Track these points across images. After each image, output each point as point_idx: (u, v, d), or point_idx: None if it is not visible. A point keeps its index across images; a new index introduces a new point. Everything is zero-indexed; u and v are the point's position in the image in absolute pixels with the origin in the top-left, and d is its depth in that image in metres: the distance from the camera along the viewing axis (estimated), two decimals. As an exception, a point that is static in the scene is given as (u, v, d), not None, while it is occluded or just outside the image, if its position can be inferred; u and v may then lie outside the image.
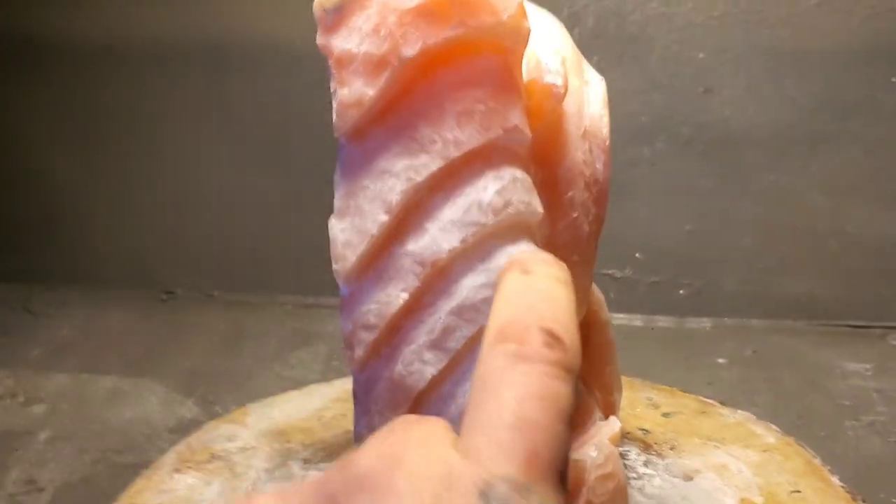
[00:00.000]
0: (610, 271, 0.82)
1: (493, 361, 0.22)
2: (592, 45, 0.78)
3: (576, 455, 0.35)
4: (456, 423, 0.33)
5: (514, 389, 0.22)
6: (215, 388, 0.69)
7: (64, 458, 0.60)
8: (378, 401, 0.34)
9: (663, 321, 0.82)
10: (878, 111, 0.76)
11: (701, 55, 0.77)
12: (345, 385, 0.58)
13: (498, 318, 0.24)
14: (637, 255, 0.82)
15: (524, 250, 0.32)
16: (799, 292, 0.81)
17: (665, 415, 0.54)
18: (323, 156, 0.33)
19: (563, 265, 0.27)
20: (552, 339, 0.22)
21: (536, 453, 0.20)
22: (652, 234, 0.81)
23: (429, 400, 0.34)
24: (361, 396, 0.35)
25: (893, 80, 0.75)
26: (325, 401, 0.57)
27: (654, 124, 0.79)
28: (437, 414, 0.34)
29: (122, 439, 0.62)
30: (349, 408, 0.55)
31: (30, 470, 0.58)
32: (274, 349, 0.77)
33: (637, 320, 0.82)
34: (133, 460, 0.58)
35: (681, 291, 0.82)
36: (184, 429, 0.61)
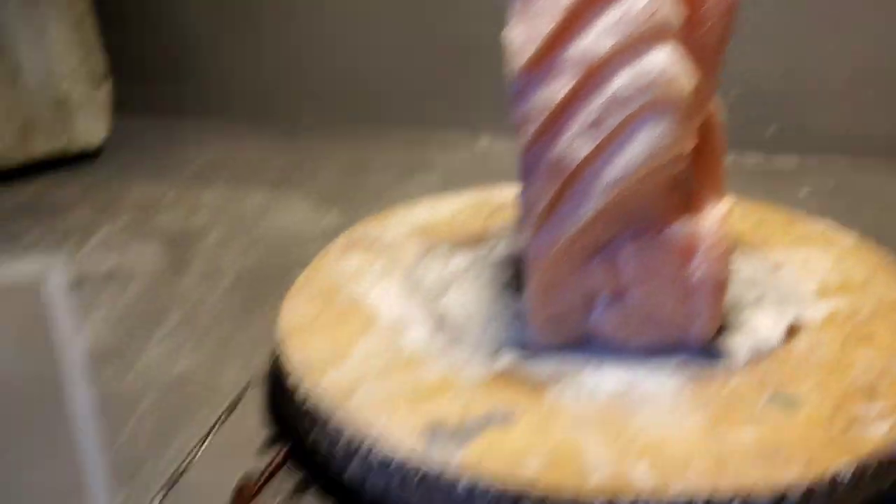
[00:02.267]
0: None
1: None
2: None
3: (695, 228, 0.44)
4: (601, 194, 0.42)
5: None
6: (352, 203, 0.79)
7: (235, 254, 0.70)
8: (540, 177, 0.43)
9: (752, 157, 0.88)
10: None
11: None
12: (471, 196, 0.67)
13: None
14: (731, 92, 0.87)
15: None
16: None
17: (756, 223, 0.62)
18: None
19: None
20: None
21: None
22: (748, 71, 0.86)
23: (581, 175, 0.42)
24: (526, 174, 0.43)
25: None
26: (458, 205, 0.66)
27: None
28: (586, 187, 0.42)
29: (282, 241, 0.72)
30: (480, 211, 0.65)
31: (210, 261, 0.69)
32: (393, 177, 0.86)
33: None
34: (296, 256, 0.67)
35: (770, 129, 0.88)
36: (332, 234, 0.71)
